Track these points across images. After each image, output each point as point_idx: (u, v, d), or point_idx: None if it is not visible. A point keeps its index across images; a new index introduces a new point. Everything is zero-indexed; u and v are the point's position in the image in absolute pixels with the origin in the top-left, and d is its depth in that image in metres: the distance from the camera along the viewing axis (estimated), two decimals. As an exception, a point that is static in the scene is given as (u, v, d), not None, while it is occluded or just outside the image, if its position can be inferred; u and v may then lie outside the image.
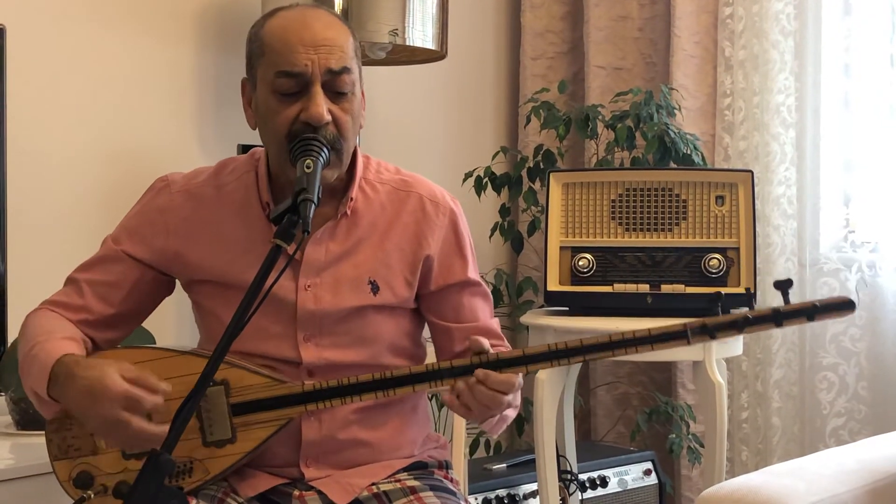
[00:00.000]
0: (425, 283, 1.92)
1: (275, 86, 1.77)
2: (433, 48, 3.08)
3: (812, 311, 1.69)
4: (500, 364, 1.72)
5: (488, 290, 2.02)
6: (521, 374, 1.77)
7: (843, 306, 1.70)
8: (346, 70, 1.78)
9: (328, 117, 1.76)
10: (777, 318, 1.70)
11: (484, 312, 1.98)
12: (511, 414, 1.86)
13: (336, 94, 1.78)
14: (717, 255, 2.75)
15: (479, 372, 1.70)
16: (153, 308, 1.98)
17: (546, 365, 1.74)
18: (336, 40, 1.78)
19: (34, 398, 1.81)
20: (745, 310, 1.71)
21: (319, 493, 1.85)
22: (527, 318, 2.91)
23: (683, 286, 2.76)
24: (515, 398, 1.80)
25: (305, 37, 1.76)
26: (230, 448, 1.78)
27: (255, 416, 1.78)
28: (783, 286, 1.70)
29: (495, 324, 1.99)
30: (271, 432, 1.77)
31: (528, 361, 1.73)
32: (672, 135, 3.26)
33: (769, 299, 3.35)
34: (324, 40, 1.76)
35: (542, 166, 3.47)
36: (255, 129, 1.86)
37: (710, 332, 1.71)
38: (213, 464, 1.78)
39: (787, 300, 1.70)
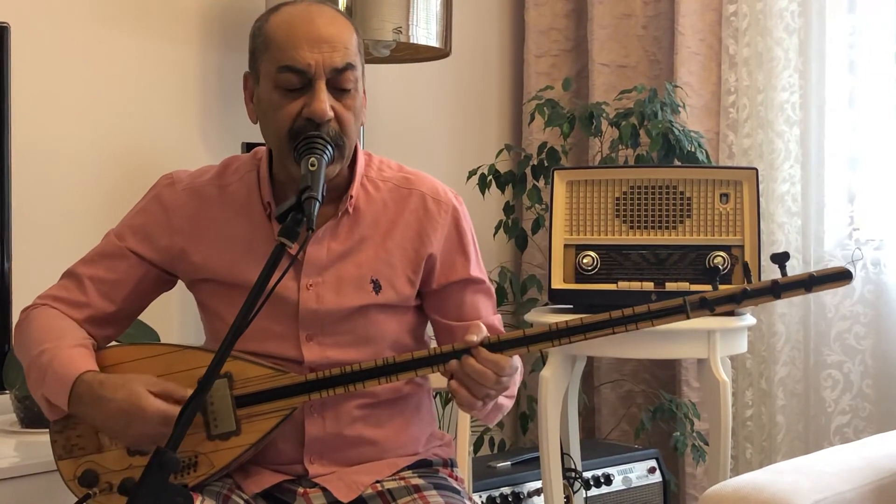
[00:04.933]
0: (427, 282, 1.92)
1: (278, 81, 1.77)
2: (437, 46, 3.08)
3: (810, 282, 1.69)
4: (502, 346, 1.71)
5: (492, 287, 2.01)
6: (516, 358, 1.76)
7: (841, 276, 1.70)
8: (349, 67, 1.78)
9: (331, 114, 1.76)
10: (775, 289, 1.69)
11: (486, 310, 1.97)
12: (506, 403, 1.86)
13: (339, 90, 1.78)
14: (721, 253, 2.75)
15: (474, 350, 1.69)
16: (150, 303, 1.99)
17: (547, 345, 1.73)
18: (340, 37, 1.78)
19: (44, 403, 1.82)
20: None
21: (324, 490, 1.85)
22: (531, 316, 2.91)
23: (688, 284, 2.75)
24: (511, 385, 1.78)
25: (310, 33, 1.76)
26: (235, 440, 1.78)
27: (259, 407, 1.78)
28: (780, 259, 1.70)
29: (497, 321, 1.99)
30: (275, 423, 1.78)
31: (530, 342, 1.72)
32: (676, 132, 3.26)
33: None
34: (328, 37, 1.77)
35: (546, 164, 3.47)
36: (255, 123, 1.86)
37: (709, 306, 1.70)
38: (219, 457, 1.78)
39: (784, 272, 1.70)
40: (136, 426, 1.72)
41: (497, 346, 1.71)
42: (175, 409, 1.70)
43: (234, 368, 1.78)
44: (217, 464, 1.79)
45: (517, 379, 1.88)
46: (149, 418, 1.71)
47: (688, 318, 1.71)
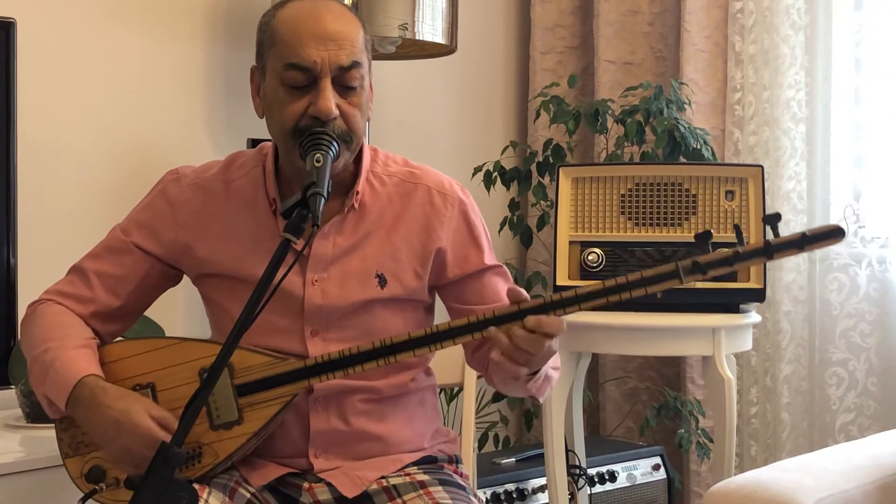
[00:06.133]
0: (441, 276, 1.92)
1: (284, 78, 1.77)
2: (443, 42, 3.08)
3: (802, 241, 1.66)
4: (497, 321, 1.69)
5: (507, 269, 2.00)
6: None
7: (833, 234, 1.66)
8: (355, 65, 1.78)
9: (336, 112, 1.76)
10: (768, 250, 1.67)
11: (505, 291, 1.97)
12: (554, 375, 1.85)
13: (345, 88, 1.78)
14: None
15: (528, 319, 1.67)
16: (156, 298, 1.99)
17: (575, 308, 1.70)
18: (347, 34, 1.78)
19: (45, 402, 1.82)
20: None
21: (329, 485, 1.85)
22: (536, 313, 2.90)
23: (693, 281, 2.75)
24: (555, 358, 1.79)
25: (316, 30, 1.76)
26: (238, 429, 1.78)
27: (260, 395, 1.78)
28: (772, 220, 1.68)
29: None
30: (277, 410, 1.78)
31: (523, 315, 1.69)
32: (682, 129, 3.25)
33: (779, 295, 3.35)
34: (335, 34, 1.77)
35: (551, 161, 3.47)
36: (262, 117, 1.86)
37: (702, 269, 1.68)
38: (222, 446, 1.79)
39: (776, 233, 1.68)
40: (124, 440, 1.72)
41: (493, 321, 1.69)
42: (167, 437, 1.70)
43: (234, 358, 1.77)
44: (221, 454, 1.79)
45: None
46: (138, 435, 1.71)
47: (681, 282, 1.69)
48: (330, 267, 1.86)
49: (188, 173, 1.94)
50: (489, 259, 1.95)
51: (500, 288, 1.95)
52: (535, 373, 1.77)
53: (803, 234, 1.66)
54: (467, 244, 1.93)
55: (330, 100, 1.75)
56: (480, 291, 1.94)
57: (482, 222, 1.97)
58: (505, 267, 1.99)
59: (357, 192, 1.87)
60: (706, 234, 1.69)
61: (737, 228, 1.73)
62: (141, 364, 1.83)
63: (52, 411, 1.83)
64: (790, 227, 3.35)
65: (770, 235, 1.67)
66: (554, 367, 1.86)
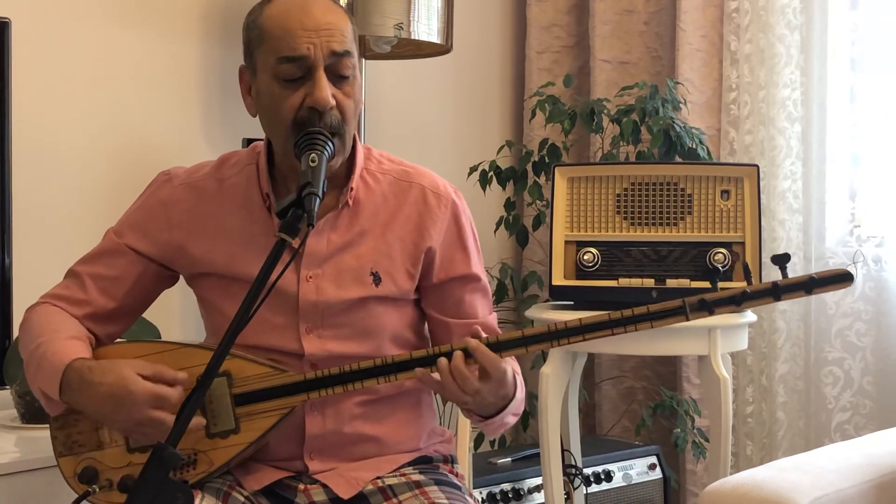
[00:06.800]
0: (427, 276, 1.92)
1: (277, 72, 1.77)
2: (438, 42, 3.07)
3: (810, 284, 1.68)
4: (500, 346, 1.72)
5: (488, 284, 2.01)
6: (519, 378, 1.79)
7: (841, 278, 1.69)
8: (348, 53, 1.78)
9: (333, 102, 1.76)
10: (776, 291, 1.68)
11: (483, 308, 1.98)
12: (511, 420, 1.87)
13: (338, 77, 1.78)
14: (722, 250, 2.75)
15: (471, 342, 1.70)
16: (153, 300, 1.99)
17: (546, 345, 1.74)
18: (337, 24, 1.79)
19: (42, 397, 1.82)
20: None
21: (324, 486, 1.85)
22: (532, 313, 2.91)
23: (689, 281, 2.75)
24: (517, 401, 1.81)
25: (306, 22, 1.76)
26: (234, 438, 1.78)
27: (258, 405, 1.78)
28: (781, 261, 1.69)
29: (493, 319, 1.99)
30: (274, 422, 1.78)
31: (528, 343, 1.73)
32: (677, 129, 3.25)
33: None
34: (325, 24, 1.77)
35: (547, 160, 3.46)
36: (255, 116, 1.86)
37: (709, 308, 1.70)
38: (218, 455, 1.78)
39: (785, 274, 1.69)
40: (126, 410, 1.71)
41: (496, 346, 1.71)
42: (165, 390, 1.70)
43: (232, 367, 1.78)
44: (216, 461, 1.78)
45: (520, 395, 1.86)
46: (138, 401, 1.70)
47: (687, 319, 1.71)
48: (324, 264, 1.86)
49: (180, 174, 1.94)
50: (475, 266, 1.95)
51: (479, 305, 1.97)
52: (490, 416, 1.81)
53: (811, 277, 1.68)
54: (455, 247, 1.93)
55: (326, 89, 1.75)
56: (459, 304, 1.94)
57: (472, 228, 1.97)
58: (486, 281, 2.00)
59: (351, 189, 1.86)
60: (784, 257, 1.70)
61: (745, 267, 1.74)
62: None
63: (50, 407, 1.82)
64: (785, 226, 3.35)
65: (752, 278, 1.68)
66: (514, 414, 1.86)
